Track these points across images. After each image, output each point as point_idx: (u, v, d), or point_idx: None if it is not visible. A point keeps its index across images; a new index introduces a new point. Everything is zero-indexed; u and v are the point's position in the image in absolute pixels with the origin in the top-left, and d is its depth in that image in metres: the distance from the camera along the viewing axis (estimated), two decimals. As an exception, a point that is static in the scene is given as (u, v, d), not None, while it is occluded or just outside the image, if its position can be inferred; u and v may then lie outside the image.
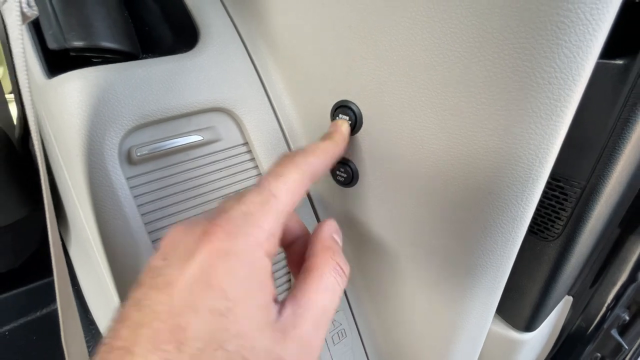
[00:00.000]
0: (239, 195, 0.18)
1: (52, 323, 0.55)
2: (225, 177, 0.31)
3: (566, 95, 0.20)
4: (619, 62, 0.30)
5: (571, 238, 0.37)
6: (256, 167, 0.32)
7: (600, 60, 0.29)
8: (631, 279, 0.48)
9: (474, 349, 0.38)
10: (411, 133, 0.24)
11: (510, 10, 0.19)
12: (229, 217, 0.17)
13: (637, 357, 0.52)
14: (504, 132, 0.22)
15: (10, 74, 0.55)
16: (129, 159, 0.27)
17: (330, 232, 0.22)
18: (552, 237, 0.38)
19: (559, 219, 0.36)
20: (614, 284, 0.49)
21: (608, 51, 0.29)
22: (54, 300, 0.58)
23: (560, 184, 0.36)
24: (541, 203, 0.37)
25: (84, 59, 0.28)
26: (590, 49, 0.19)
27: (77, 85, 0.25)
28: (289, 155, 0.21)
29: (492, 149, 0.23)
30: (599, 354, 0.56)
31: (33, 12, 0.18)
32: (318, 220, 0.35)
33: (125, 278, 0.27)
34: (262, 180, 0.19)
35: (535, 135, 0.22)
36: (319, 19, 0.25)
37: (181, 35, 0.32)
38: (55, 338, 0.53)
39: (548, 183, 0.35)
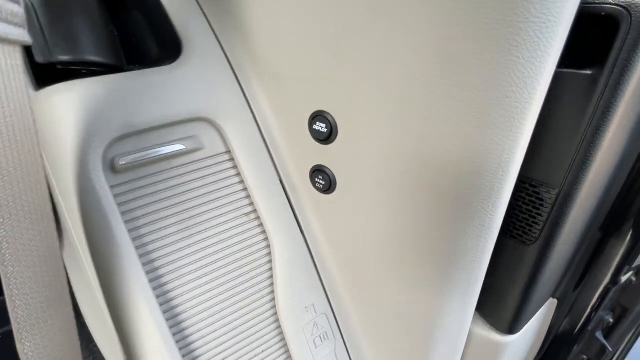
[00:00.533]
0: None
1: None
2: (207, 184, 0.32)
3: (523, 108, 0.21)
4: (588, 72, 0.31)
5: (548, 241, 0.38)
6: (238, 174, 0.33)
7: (570, 71, 0.31)
8: (613, 281, 0.48)
9: (454, 349, 0.39)
10: (382, 142, 0.25)
11: (468, 34, 0.20)
12: None
13: (616, 357, 0.53)
14: (468, 143, 0.23)
15: None
16: (112, 168, 0.28)
17: None
18: (531, 240, 0.39)
19: (536, 223, 0.37)
20: (597, 286, 0.50)
21: (577, 62, 0.30)
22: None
23: (537, 189, 0.37)
24: (519, 208, 0.38)
25: (71, 71, 0.29)
26: (544, 64, 0.20)
27: (64, 98, 0.26)
28: None
29: (457, 159, 0.24)
30: (585, 356, 0.57)
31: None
32: (300, 227, 0.36)
33: (111, 281, 0.28)
34: None
35: (497, 146, 0.23)
36: (298, 35, 0.26)
37: (165, 47, 0.33)
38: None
39: (525, 189, 0.36)
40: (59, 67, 0.28)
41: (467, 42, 0.20)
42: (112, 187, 0.27)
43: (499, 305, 0.44)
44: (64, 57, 0.27)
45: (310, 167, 0.32)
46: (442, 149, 0.24)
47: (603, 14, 0.28)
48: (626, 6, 0.27)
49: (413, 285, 0.32)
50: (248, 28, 0.30)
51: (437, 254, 0.29)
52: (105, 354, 0.45)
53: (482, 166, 0.24)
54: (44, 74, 0.29)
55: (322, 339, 0.37)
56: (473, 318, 0.46)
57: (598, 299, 0.50)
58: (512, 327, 0.45)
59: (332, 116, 0.28)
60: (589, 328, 0.52)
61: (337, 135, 0.28)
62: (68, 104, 0.26)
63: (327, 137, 0.28)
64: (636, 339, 0.55)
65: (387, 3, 0.22)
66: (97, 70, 0.29)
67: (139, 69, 0.31)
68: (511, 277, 0.41)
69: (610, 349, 0.52)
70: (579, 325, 0.52)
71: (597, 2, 0.28)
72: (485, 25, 0.19)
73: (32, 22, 0.27)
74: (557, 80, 0.30)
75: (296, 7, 0.26)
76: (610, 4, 0.28)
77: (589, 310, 0.51)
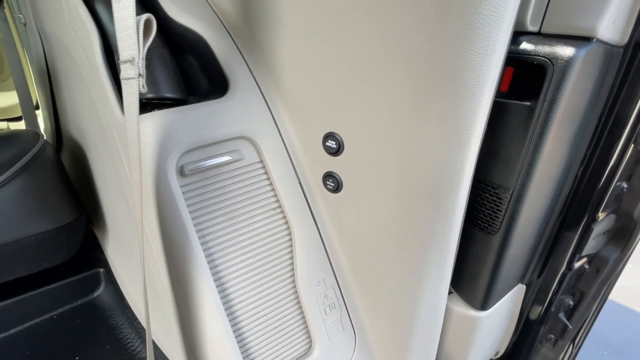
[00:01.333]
0: None
1: (94, 309, 0.66)
2: (246, 185, 0.42)
3: (469, 130, 0.32)
4: (527, 103, 0.42)
5: (508, 231, 0.48)
6: (268, 178, 0.44)
7: (515, 102, 0.41)
8: (568, 267, 0.58)
9: (434, 320, 0.49)
10: (377, 155, 0.36)
11: (428, 83, 0.31)
12: None
13: (579, 335, 0.62)
14: (433, 155, 0.34)
15: (45, 95, 0.67)
16: (182, 173, 0.38)
17: None
18: (494, 231, 0.49)
19: (497, 217, 0.48)
20: (556, 273, 0.60)
21: (519, 96, 0.41)
22: (96, 288, 0.69)
23: (496, 190, 0.47)
24: (484, 205, 0.48)
25: (150, 103, 0.40)
26: (482, 99, 0.31)
27: (150, 123, 0.37)
28: None
29: (427, 166, 0.34)
30: (551, 335, 0.66)
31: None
32: (314, 219, 0.46)
33: (176, 256, 0.38)
34: None
35: (451, 156, 0.33)
36: (314, 74, 0.37)
37: (214, 82, 0.44)
38: (97, 322, 0.63)
39: (487, 190, 0.47)
40: (143, 100, 0.39)
41: (428, 88, 0.31)
42: (181, 186, 0.38)
43: (472, 285, 0.53)
44: (150, 95, 0.38)
45: (323, 173, 0.42)
46: (416, 159, 0.34)
47: (535, 62, 0.39)
48: (550, 58, 0.38)
49: (399, 266, 0.42)
50: (276, 68, 0.41)
51: (415, 238, 0.39)
52: (152, 329, 0.54)
53: (442, 171, 0.34)
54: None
55: (331, 308, 0.47)
56: (452, 297, 0.56)
57: (557, 283, 0.60)
58: (483, 304, 0.54)
59: (340, 136, 0.38)
60: (552, 310, 0.62)
61: (344, 149, 0.39)
62: (153, 128, 0.37)
63: (336, 151, 0.39)
64: (594, 319, 0.64)
65: (379, 64, 0.33)
66: (170, 102, 0.40)
67: (195, 100, 0.42)
68: (481, 262, 0.51)
69: (571, 327, 0.62)
70: (544, 308, 0.62)
71: (531, 54, 0.39)
72: (441, 72, 0.30)
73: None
74: (506, 109, 0.41)
75: (311, 56, 0.36)
76: (539, 55, 0.39)
77: (550, 294, 0.61)
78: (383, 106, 0.33)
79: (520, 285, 0.62)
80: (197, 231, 0.39)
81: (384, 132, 0.35)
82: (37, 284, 0.63)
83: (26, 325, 0.62)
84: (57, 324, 0.64)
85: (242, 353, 0.41)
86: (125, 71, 0.28)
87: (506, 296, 0.60)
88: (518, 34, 0.38)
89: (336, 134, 0.38)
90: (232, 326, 0.41)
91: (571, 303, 0.64)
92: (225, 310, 0.41)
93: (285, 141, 0.44)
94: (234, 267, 0.41)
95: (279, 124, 0.43)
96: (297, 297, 0.45)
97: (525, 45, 0.39)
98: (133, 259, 0.55)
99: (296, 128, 0.43)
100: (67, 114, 0.66)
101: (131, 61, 0.26)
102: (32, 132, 0.68)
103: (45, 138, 0.65)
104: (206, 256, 0.40)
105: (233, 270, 0.41)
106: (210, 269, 0.40)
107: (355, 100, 0.35)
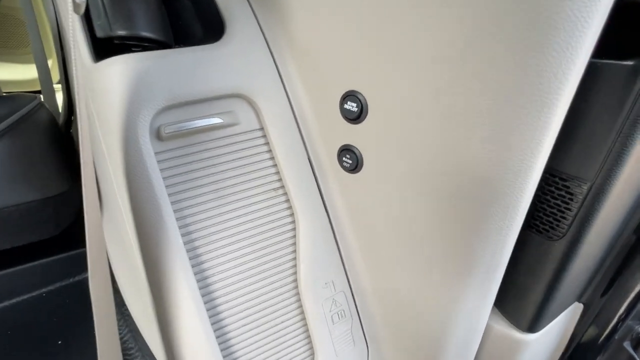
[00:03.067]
0: None
1: (84, 289, 0.61)
2: (240, 158, 0.34)
3: (556, 91, 0.21)
4: (629, 62, 0.30)
5: (577, 238, 0.37)
6: (269, 151, 0.35)
7: (609, 61, 0.30)
8: (646, 289, 0.46)
9: (470, 342, 0.39)
10: (412, 123, 0.26)
11: (498, 27, 0.20)
12: None
13: (650, 372, 0.51)
14: (497, 123, 0.23)
15: (59, 64, 0.62)
16: (158, 136, 0.30)
17: None
18: (558, 236, 0.38)
19: (565, 218, 0.37)
20: (627, 293, 0.48)
21: (617, 52, 0.29)
22: (86, 269, 0.64)
23: (567, 183, 0.36)
24: (547, 202, 0.37)
25: (125, 46, 0.32)
26: (577, 54, 0.20)
27: (119, 69, 0.29)
28: None
29: (486, 139, 0.24)
30: (610, 366, 0.54)
31: (82, 4, 0.22)
32: (325, 205, 0.37)
33: (149, 239, 0.31)
34: None
35: (526, 127, 0.23)
36: (334, 17, 0.28)
37: (209, 28, 0.35)
38: (85, 303, 0.58)
39: (554, 182, 0.36)
40: (116, 41, 0.31)
41: (495, 35, 0.21)
42: (156, 153, 0.30)
43: (520, 302, 0.43)
44: (122, 32, 0.29)
45: (339, 146, 0.33)
46: (471, 129, 0.24)
47: (647, 3, 0.27)
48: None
49: (430, 273, 0.33)
50: (286, 9, 0.32)
51: (456, 244, 0.29)
52: (136, 317, 0.48)
53: (504, 161, 0.24)
54: (102, 48, 0.32)
55: (340, 316, 0.38)
56: (492, 314, 0.45)
57: (628, 307, 0.48)
58: (532, 326, 0.44)
59: (363, 96, 0.29)
60: (616, 337, 0.50)
61: (367, 115, 0.29)
62: (122, 75, 0.29)
63: (357, 117, 0.29)
64: (668, 354, 0.52)
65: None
66: (149, 45, 0.32)
67: (185, 47, 0.33)
68: (535, 274, 0.41)
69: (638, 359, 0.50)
70: (606, 333, 0.51)
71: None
72: (517, 17, 0.20)
73: (95, 1, 0.30)
74: (594, 71, 0.30)
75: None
76: (657, -7, 0.27)
77: (616, 318, 0.49)
78: (425, 61, 0.23)
79: (576, 303, 0.51)
80: (175, 211, 0.31)
81: (423, 93, 0.25)
82: (24, 258, 0.58)
83: (13, 301, 0.58)
84: (45, 301, 0.59)
85: (226, 364, 0.34)
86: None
87: (559, 317, 0.49)
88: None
89: (358, 93, 0.29)
90: (213, 325, 0.33)
91: (641, 331, 0.52)
92: (208, 310, 0.33)
93: (293, 103, 0.34)
94: (220, 259, 0.33)
95: (286, 80, 0.34)
96: (299, 300, 0.37)
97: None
98: (119, 236, 0.48)
99: (307, 85, 0.33)
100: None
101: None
102: (32, 96, 0.64)
103: (55, 111, 0.60)
104: (185, 243, 0.32)
105: (219, 263, 0.33)
106: (191, 258, 0.32)
107: (385, 47, 0.25)
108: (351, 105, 0.29)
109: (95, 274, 0.27)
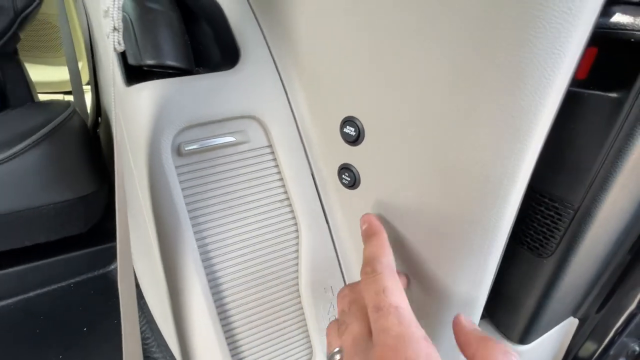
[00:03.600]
0: (385, 322, 0.22)
1: (107, 282, 0.66)
2: (250, 172, 0.37)
3: (531, 119, 0.24)
4: (614, 94, 0.32)
5: (565, 257, 0.39)
6: (276, 166, 0.38)
7: (595, 92, 0.32)
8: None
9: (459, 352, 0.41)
10: (403, 147, 0.29)
11: (483, 55, 0.23)
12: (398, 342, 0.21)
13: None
14: (478, 151, 0.26)
15: (89, 67, 0.67)
16: (178, 152, 0.34)
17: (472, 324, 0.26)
18: (547, 254, 0.40)
19: (553, 237, 0.38)
20: (622, 310, 0.49)
21: (603, 85, 0.31)
22: (111, 262, 0.70)
23: (556, 204, 0.38)
24: (537, 221, 0.39)
25: (152, 72, 0.36)
26: (554, 78, 0.22)
27: (148, 94, 0.33)
28: (375, 273, 0.26)
29: (468, 166, 0.27)
30: (606, 382, 0.55)
31: (121, 49, 0.26)
32: (325, 216, 0.40)
33: (167, 243, 0.35)
34: (384, 302, 0.24)
35: (502, 156, 0.25)
36: (336, 49, 0.31)
37: (226, 52, 0.39)
38: (108, 295, 0.64)
39: (544, 202, 0.38)
40: (145, 68, 0.35)
41: (481, 62, 0.23)
42: (177, 167, 0.34)
43: (512, 313, 0.45)
44: (150, 62, 0.34)
45: (339, 164, 0.36)
46: (455, 156, 0.27)
47: (632, 40, 0.29)
48: (656, 34, 0.28)
49: (422, 281, 0.35)
50: (295, 39, 0.35)
51: (444, 254, 0.32)
52: (153, 311, 0.53)
53: (488, 173, 0.26)
54: (132, 73, 0.36)
55: (337, 319, 0.41)
56: (484, 324, 0.47)
57: (622, 323, 0.49)
58: (523, 337, 0.45)
59: (360, 122, 0.32)
60: (611, 352, 0.51)
61: (363, 138, 0.32)
62: (150, 99, 0.33)
63: (354, 140, 0.32)
64: (665, 372, 0.52)
65: (412, 33, 0.25)
66: (173, 72, 0.36)
67: (204, 72, 0.37)
68: (526, 288, 0.43)
69: (634, 378, 0.51)
70: (600, 349, 0.51)
71: (627, 29, 0.30)
72: (499, 49, 0.22)
73: (128, 32, 0.35)
74: (581, 101, 0.32)
75: (336, 25, 0.30)
76: (638, 30, 0.29)
77: (612, 333, 0.50)
78: (418, 86, 0.26)
79: (571, 318, 0.52)
80: (191, 218, 0.35)
81: (413, 118, 0.27)
82: (55, 252, 0.64)
83: (45, 289, 0.64)
84: (73, 292, 0.65)
85: (232, 357, 0.37)
86: (106, 27, 0.24)
87: (552, 330, 0.50)
88: (611, 3, 0.28)
89: (356, 118, 0.32)
90: (221, 321, 0.37)
91: (637, 349, 0.53)
92: (217, 307, 0.37)
93: (299, 125, 0.38)
94: (229, 262, 0.37)
95: (293, 104, 0.38)
96: (300, 303, 0.40)
97: (619, 18, 0.29)
98: (141, 237, 0.53)
99: (312, 110, 0.36)
100: (102, 88, 0.65)
101: (106, 12, 0.22)
102: (65, 103, 0.69)
103: (84, 112, 0.66)
104: (199, 246, 0.35)
105: (228, 266, 0.37)
106: (203, 260, 0.36)
107: (381, 79, 0.28)
108: (350, 130, 0.32)
109: (122, 268, 0.32)
